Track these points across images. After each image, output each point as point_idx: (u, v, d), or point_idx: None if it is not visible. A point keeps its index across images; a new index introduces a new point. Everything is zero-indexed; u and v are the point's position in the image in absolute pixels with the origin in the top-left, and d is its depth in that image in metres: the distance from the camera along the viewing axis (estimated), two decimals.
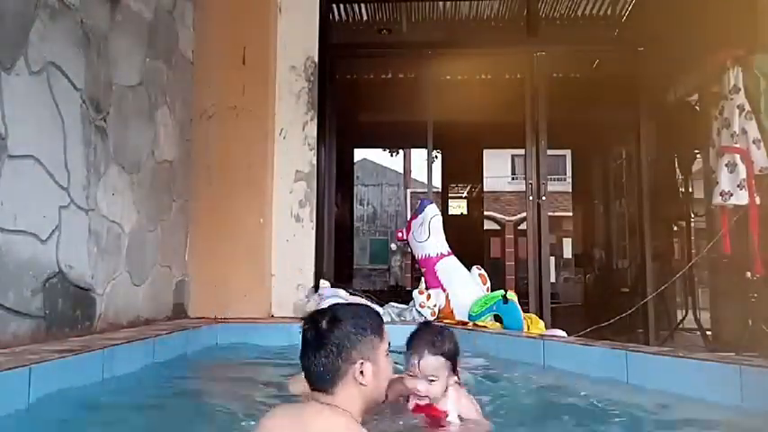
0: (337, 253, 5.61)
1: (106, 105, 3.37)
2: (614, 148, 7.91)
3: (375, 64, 7.89)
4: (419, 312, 4.16)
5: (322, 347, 1.50)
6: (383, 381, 1.59)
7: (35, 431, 1.87)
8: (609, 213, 8.23)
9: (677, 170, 5.81)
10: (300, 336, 1.56)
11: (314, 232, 4.84)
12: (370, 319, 1.61)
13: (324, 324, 1.52)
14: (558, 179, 15.52)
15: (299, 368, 1.59)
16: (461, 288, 4.21)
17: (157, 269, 4.06)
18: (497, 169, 20.39)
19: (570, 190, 11.00)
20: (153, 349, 2.98)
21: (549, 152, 5.43)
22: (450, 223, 4.96)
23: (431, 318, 4.11)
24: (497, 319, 3.80)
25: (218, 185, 4.58)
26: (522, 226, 16.58)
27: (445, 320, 4.10)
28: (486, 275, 4.37)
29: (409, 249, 4.86)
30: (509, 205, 21.27)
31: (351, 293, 4.38)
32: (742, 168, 3.96)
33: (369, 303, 4.26)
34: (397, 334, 4.14)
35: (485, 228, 13.94)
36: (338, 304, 1.70)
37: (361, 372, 1.50)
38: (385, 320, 4.51)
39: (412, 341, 1.87)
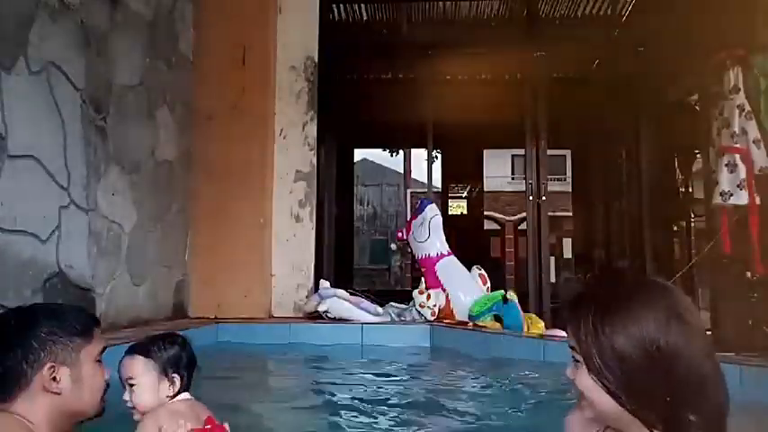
0: (337, 253, 5.61)
1: (106, 105, 3.37)
2: (614, 148, 7.89)
3: (375, 64, 7.88)
4: (419, 312, 4.16)
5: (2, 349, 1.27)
6: (88, 390, 1.32)
7: None
8: (609, 213, 8.22)
9: (677, 170, 5.82)
10: None
11: (314, 232, 4.83)
12: (72, 317, 1.35)
13: (12, 322, 1.31)
14: (558, 179, 15.50)
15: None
16: (461, 288, 4.21)
17: (157, 269, 4.06)
18: (497, 169, 20.36)
19: (570, 190, 10.99)
20: None
21: (549, 152, 5.44)
22: (450, 223, 4.97)
23: (431, 318, 4.10)
24: (497, 319, 3.80)
25: (218, 185, 4.58)
26: (522, 226, 16.56)
27: (445, 320, 4.10)
28: (486, 275, 4.37)
29: (409, 249, 4.86)
30: (509, 205, 21.22)
31: (351, 293, 4.38)
32: (742, 168, 3.96)
33: (368, 303, 4.27)
34: (397, 333, 4.14)
35: (485, 228, 13.95)
36: (37, 304, 1.57)
37: (54, 378, 1.27)
38: (385, 320, 4.47)
39: None
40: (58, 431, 1.30)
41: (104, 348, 1.38)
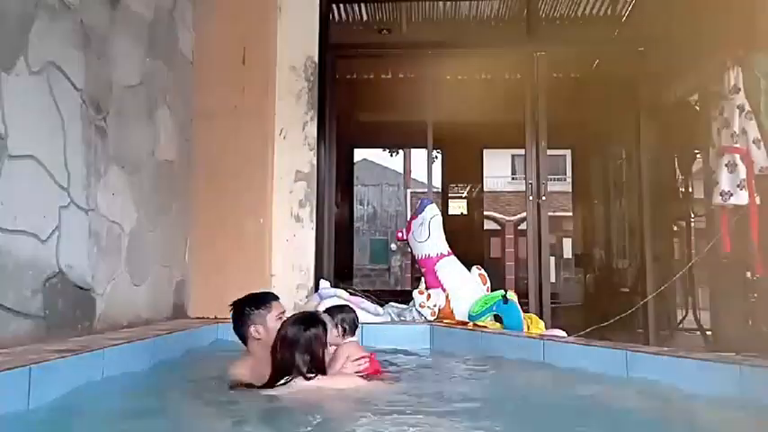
0: (337, 253, 5.60)
1: (106, 105, 3.37)
2: (614, 148, 7.89)
3: (375, 64, 7.89)
4: (419, 312, 4.16)
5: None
6: (273, 334, 2.41)
7: (35, 431, 1.87)
8: (609, 213, 8.22)
9: (677, 170, 5.81)
10: None
11: (314, 232, 4.84)
12: (261, 300, 2.63)
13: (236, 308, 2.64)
14: (558, 179, 15.52)
15: None
16: (461, 288, 4.21)
17: (157, 269, 4.06)
18: (497, 169, 20.40)
19: (570, 190, 10.98)
20: (153, 349, 2.98)
21: (549, 152, 5.43)
22: (450, 223, 4.96)
23: (431, 318, 4.10)
24: (497, 319, 3.80)
25: (218, 185, 4.58)
26: (522, 226, 16.57)
27: (445, 320, 4.09)
28: (486, 275, 4.37)
29: (409, 249, 4.86)
30: (509, 205, 21.27)
31: (351, 293, 4.38)
32: (742, 168, 3.97)
33: (368, 303, 4.27)
34: (397, 333, 4.14)
35: (485, 228, 13.93)
36: (248, 294, 2.66)
37: (257, 331, 2.55)
38: (385, 321, 4.48)
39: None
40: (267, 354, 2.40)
41: (282, 312, 2.59)
